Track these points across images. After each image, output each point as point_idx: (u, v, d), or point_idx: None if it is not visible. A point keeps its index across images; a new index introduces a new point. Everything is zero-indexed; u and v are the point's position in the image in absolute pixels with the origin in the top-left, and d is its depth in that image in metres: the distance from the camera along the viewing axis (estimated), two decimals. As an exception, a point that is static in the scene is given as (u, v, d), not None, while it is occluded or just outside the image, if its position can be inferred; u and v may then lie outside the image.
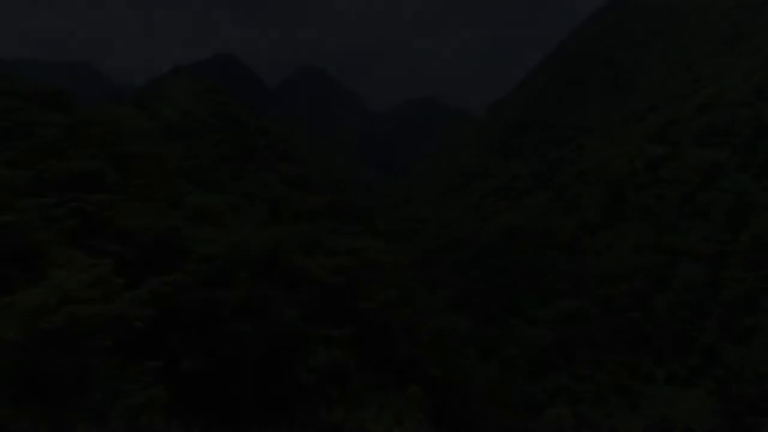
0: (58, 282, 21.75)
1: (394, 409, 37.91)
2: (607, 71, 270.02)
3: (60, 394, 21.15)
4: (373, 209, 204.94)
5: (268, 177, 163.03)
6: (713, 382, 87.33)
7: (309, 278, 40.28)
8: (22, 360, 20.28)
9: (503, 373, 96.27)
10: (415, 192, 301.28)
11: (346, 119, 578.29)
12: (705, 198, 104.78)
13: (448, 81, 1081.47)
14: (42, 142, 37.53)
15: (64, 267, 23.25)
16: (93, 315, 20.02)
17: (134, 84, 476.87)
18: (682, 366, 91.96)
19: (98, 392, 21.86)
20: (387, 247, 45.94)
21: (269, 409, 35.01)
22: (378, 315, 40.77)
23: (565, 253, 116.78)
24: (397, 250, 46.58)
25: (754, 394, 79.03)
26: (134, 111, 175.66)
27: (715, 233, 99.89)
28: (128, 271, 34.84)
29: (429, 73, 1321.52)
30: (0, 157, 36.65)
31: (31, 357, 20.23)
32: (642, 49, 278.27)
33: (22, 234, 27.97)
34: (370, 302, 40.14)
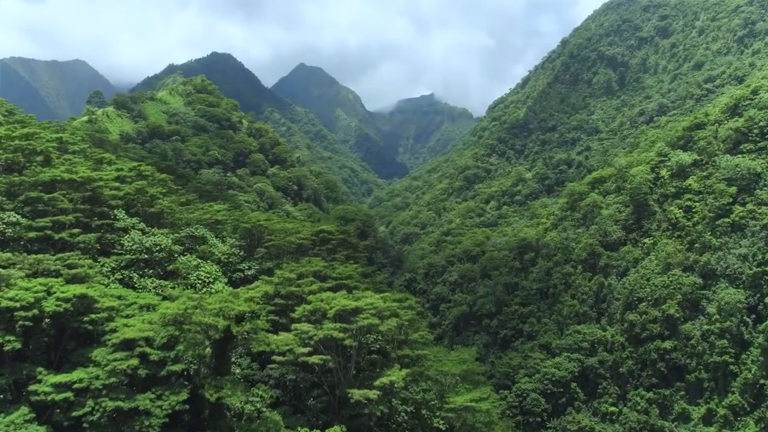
0: None
1: None
2: (611, 70, 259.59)
3: None
4: (373, 222, 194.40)
5: (258, 183, 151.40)
6: (758, 424, 76.99)
7: (284, 354, 29.39)
8: None
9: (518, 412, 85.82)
10: (415, 194, 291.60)
11: (344, 119, 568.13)
12: (741, 211, 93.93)
13: (448, 81, 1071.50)
14: None
15: None
16: None
17: (132, 83, 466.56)
18: (720, 404, 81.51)
19: None
20: (390, 298, 34.84)
21: None
22: (378, 404, 29.74)
23: (583, 272, 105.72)
24: (403, 302, 35.41)
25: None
26: (117, 113, 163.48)
27: (755, 251, 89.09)
28: (9, 369, 24.01)
29: (429, 73, 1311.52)
30: None
31: None
32: (648, 48, 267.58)
33: None
34: (367, 387, 29.14)
